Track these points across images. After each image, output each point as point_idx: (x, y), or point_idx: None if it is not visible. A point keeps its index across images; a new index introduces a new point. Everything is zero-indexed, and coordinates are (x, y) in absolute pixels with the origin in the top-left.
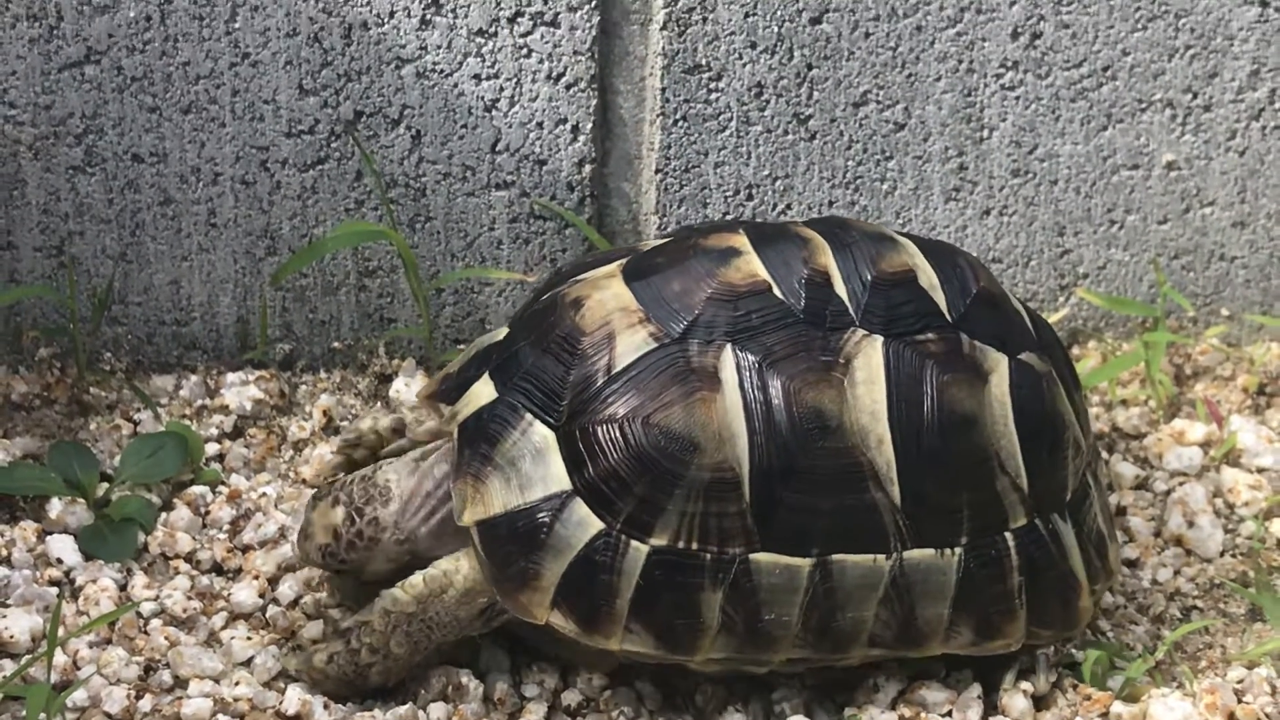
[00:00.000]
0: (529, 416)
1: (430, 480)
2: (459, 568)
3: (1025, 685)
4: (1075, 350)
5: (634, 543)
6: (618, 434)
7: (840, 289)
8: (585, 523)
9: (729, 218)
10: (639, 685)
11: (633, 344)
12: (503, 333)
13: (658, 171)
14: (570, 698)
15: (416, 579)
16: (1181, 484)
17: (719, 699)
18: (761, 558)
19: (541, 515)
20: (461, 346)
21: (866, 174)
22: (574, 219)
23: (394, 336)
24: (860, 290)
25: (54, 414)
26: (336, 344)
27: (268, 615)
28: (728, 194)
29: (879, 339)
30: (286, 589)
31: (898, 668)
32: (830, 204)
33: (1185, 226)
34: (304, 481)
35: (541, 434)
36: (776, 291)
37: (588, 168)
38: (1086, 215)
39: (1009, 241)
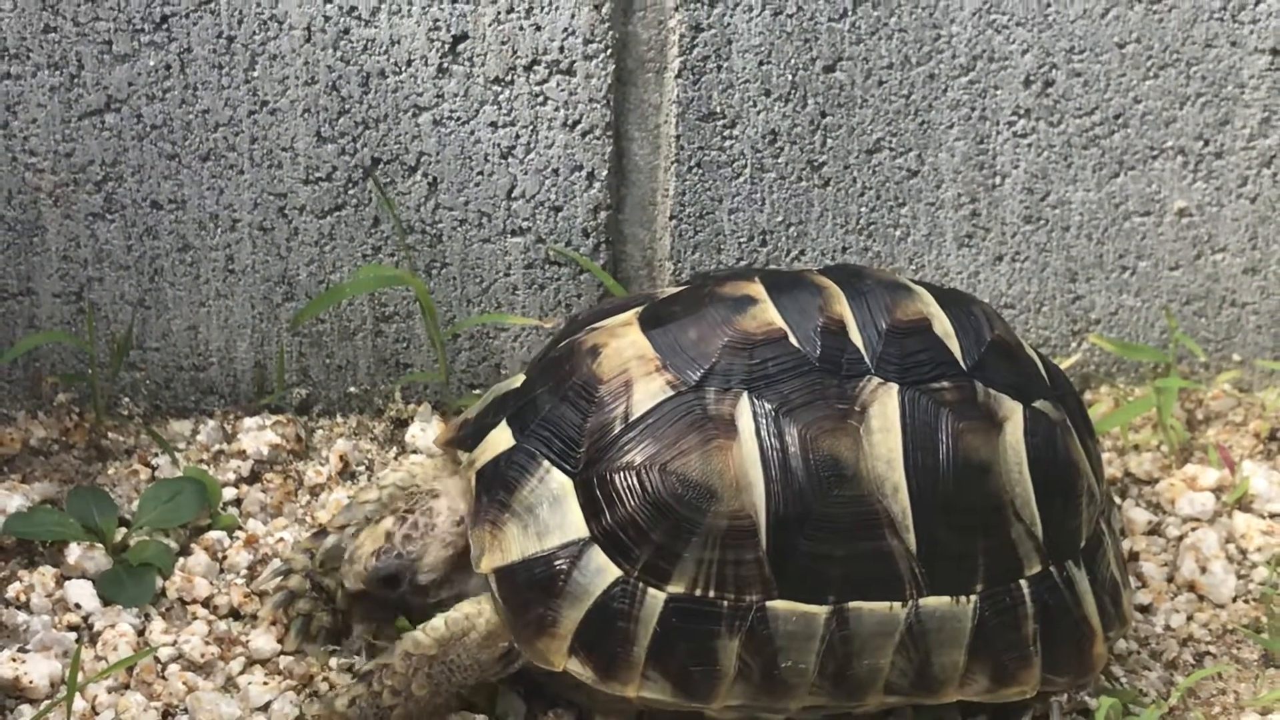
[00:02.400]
0: (546, 464)
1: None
2: (481, 611)
3: None
4: (1087, 395)
5: (651, 590)
6: (635, 482)
7: (856, 337)
8: (603, 570)
9: (743, 263)
10: None
11: (650, 392)
12: (519, 380)
13: (672, 218)
14: None
15: (438, 622)
16: (1194, 529)
17: None
18: (778, 605)
19: (559, 563)
20: (477, 391)
21: (879, 220)
22: (589, 265)
23: (410, 381)
24: (875, 338)
25: (72, 459)
26: (353, 389)
27: (284, 661)
28: (742, 240)
29: (894, 387)
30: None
31: (912, 714)
32: (843, 250)
33: (1197, 273)
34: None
35: (559, 481)
36: (792, 339)
37: (603, 214)
38: (1098, 261)
39: (1021, 287)
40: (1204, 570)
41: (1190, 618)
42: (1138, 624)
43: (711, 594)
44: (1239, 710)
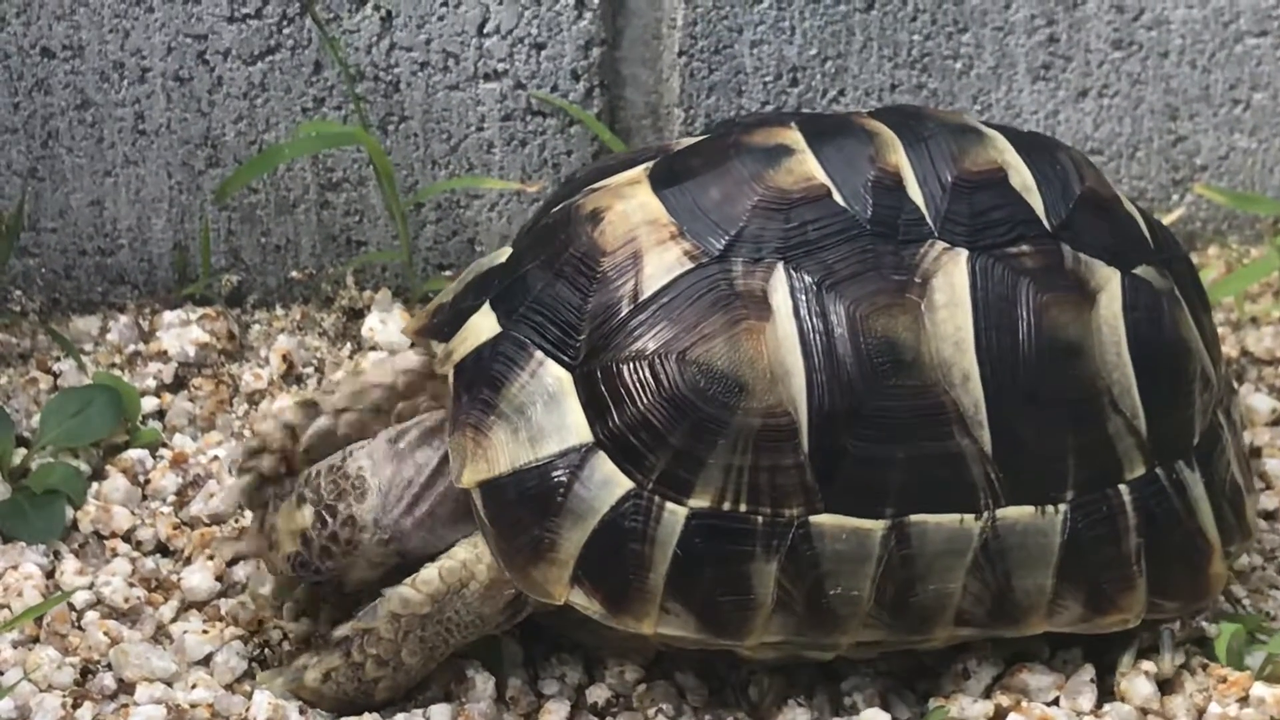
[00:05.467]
0: (539, 354)
1: (410, 465)
2: (480, 556)
3: (1147, 666)
4: (1194, 258)
5: (670, 505)
6: (648, 374)
7: (915, 193)
8: (610, 482)
9: (770, 108)
10: (680, 678)
11: (664, 264)
12: (505, 254)
13: (681, 54)
14: (597, 694)
15: (430, 573)
16: None
17: (777, 690)
18: (824, 520)
19: (557, 474)
20: (446, 274)
21: (936, 50)
22: (580, 114)
23: (365, 263)
24: (939, 194)
25: None
26: (295, 273)
27: (225, 605)
28: (767, 79)
29: (963, 253)
30: (247, 572)
31: (992, 650)
32: (892, 88)
33: None
34: None
35: (555, 375)
36: (837, 197)
37: (596, 51)
38: (1204, 94)
39: (1111, 129)
40: None
41: None
42: (1262, 534)
43: (743, 508)
44: None
